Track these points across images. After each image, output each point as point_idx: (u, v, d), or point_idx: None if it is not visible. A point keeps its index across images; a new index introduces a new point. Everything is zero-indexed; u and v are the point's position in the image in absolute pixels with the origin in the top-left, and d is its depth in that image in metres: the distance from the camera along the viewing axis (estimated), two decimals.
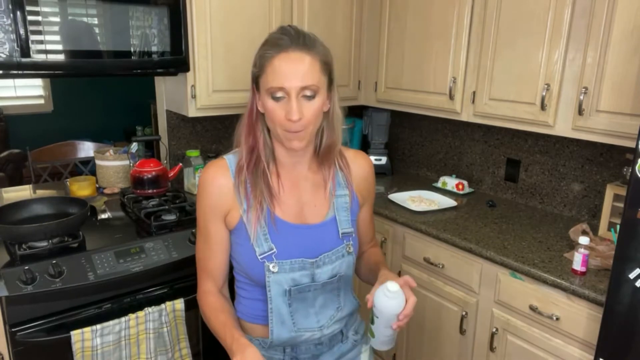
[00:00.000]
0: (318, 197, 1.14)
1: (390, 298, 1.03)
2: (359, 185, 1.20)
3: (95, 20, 1.79)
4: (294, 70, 1.00)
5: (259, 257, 1.09)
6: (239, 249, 1.14)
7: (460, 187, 2.46)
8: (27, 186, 2.50)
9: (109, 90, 5.85)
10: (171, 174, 2.20)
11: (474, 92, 2.12)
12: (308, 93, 1.02)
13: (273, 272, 1.08)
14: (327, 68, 1.06)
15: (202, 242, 1.18)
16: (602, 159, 2.04)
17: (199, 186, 1.14)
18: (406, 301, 1.04)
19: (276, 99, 1.03)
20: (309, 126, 1.04)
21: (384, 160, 2.82)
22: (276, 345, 1.16)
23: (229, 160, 1.14)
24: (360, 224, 1.25)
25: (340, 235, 1.14)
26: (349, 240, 1.15)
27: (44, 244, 1.62)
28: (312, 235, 1.12)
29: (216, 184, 1.12)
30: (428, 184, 2.61)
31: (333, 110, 1.11)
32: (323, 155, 1.13)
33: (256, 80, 1.08)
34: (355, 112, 2.89)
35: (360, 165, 1.20)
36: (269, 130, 1.12)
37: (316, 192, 1.14)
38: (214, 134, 2.58)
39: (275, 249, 1.09)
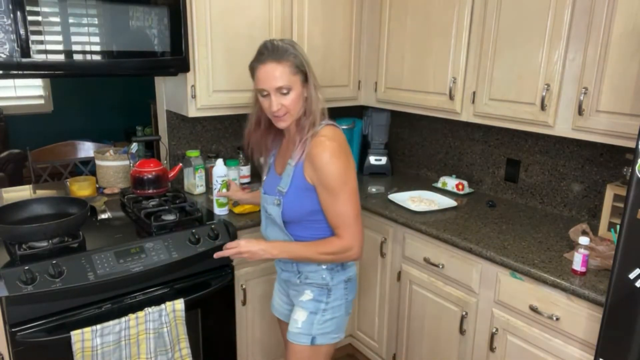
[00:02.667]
0: (286, 160, 1.54)
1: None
2: (307, 167, 1.46)
3: (95, 21, 1.79)
4: (270, 76, 1.41)
5: (263, 177, 1.69)
6: None
7: (460, 187, 2.46)
8: (27, 186, 2.50)
9: (109, 90, 5.86)
10: (171, 174, 2.20)
11: (474, 92, 2.12)
12: (283, 91, 1.42)
13: (261, 190, 1.66)
14: (299, 70, 1.43)
15: None
16: (602, 159, 2.05)
17: None
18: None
19: (263, 96, 1.46)
20: (289, 112, 1.45)
21: (384, 160, 2.82)
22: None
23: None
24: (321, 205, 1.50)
25: (276, 189, 1.53)
26: (280, 197, 1.52)
27: (44, 244, 1.62)
28: (272, 181, 1.59)
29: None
30: (428, 184, 2.62)
31: (310, 96, 1.47)
32: (297, 132, 1.49)
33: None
34: (355, 112, 2.89)
35: (310, 152, 1.44)
36: None
37: (287, 157, 1.54)
38: (214, 134, 2.58)
39: (264, 178, 1.65)
